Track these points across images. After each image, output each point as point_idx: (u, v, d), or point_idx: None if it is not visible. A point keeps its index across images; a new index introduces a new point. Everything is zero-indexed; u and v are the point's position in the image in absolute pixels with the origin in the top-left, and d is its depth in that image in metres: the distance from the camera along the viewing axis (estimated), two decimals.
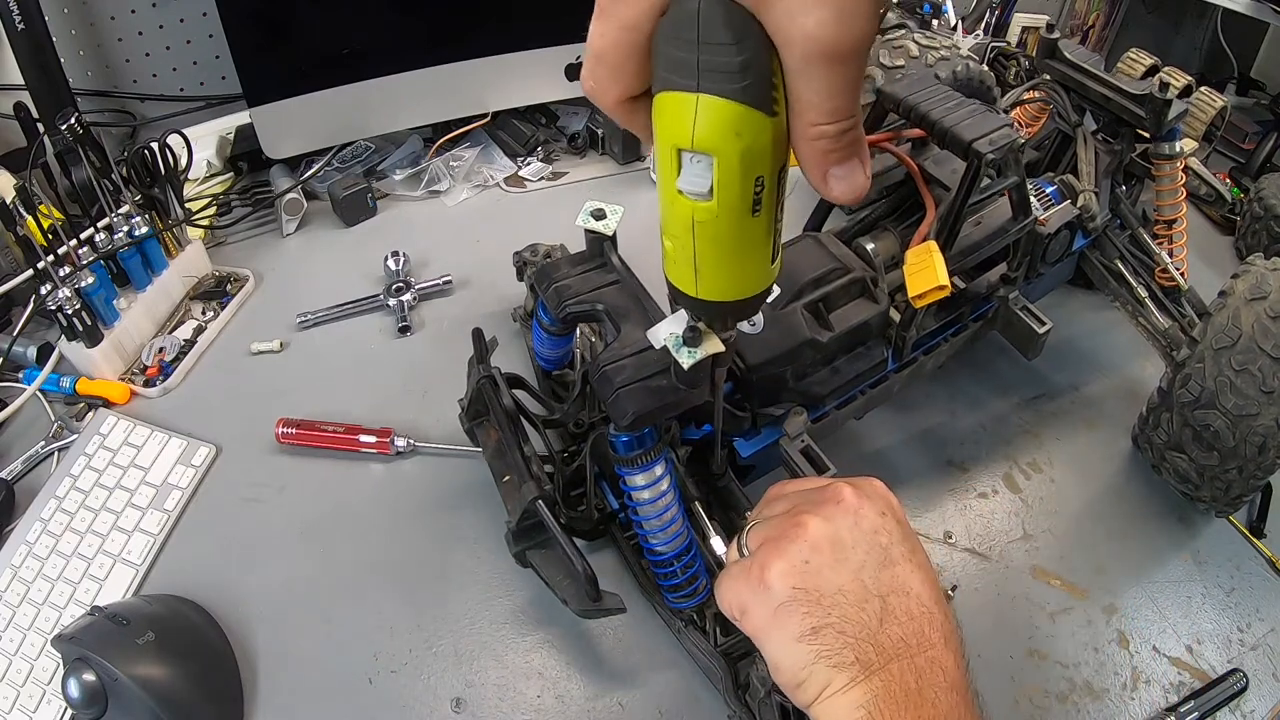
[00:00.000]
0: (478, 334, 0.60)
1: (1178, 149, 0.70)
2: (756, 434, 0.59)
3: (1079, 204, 0.69)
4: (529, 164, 1.03)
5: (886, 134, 0.64)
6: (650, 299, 0.54)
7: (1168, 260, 0.71)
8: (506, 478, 0.54)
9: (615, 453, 0.51)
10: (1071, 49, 0.73)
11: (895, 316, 0.61)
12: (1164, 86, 0.66)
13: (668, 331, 0.44)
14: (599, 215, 0.57)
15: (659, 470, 0.51)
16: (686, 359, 0.43)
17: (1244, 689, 0.56)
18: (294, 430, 0.68)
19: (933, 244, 0.55)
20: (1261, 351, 0.55)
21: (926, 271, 0.53)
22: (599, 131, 1.05)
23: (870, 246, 0.63)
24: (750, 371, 0.55)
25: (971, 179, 0.56)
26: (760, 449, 0.59)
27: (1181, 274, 0.71)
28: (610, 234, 0.57)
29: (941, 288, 0.53)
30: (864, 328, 0.59)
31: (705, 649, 0.53)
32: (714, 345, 0.43)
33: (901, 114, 0.61)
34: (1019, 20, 1.20)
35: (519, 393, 0.60)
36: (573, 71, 1.01)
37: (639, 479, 0.51)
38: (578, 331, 0.68)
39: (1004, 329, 0.68)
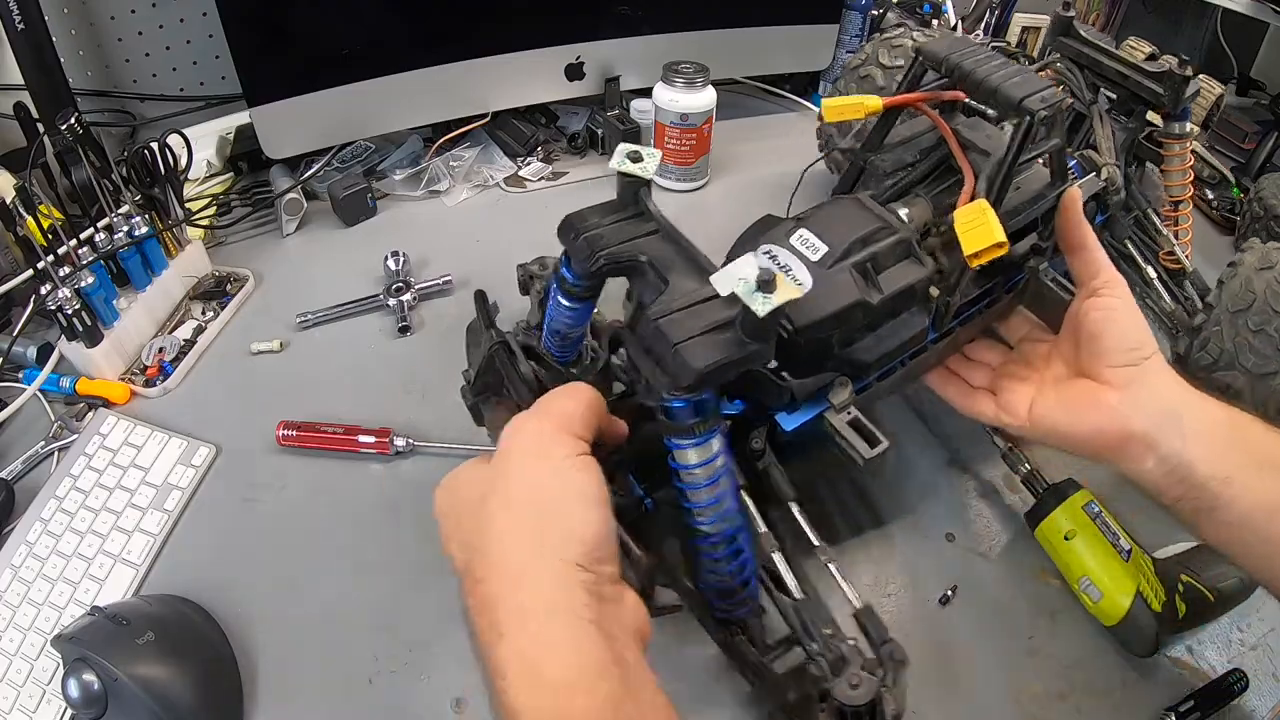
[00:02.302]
0: (480, 295, 0.55)
1: (1188, 128, 0.70)
2: (797, 407, 0.54)
3: (1104, 176, 0.68)
4: (529, 164, 1.03)
5: (922, 94, 0.61)
6: (695, 248, 0.48)
7: (1174, 242, 0.71)
8: None
9: (670, 420, 0.44)
10: (1085, 28, 0.72)
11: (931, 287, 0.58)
12: (1183, 63, 0.65)
13: (737, 276, 0.39)
14: (635, 158, 0.49)
15: (716, 445, 0.45)
16: (761, 306, 0.38)
17: (1244, 689, 0.56)
18: (294, 433, 0.68)
19: (984, 202, 0.52)
20: (1276, 313, 0.55)
21: (982, 229, 0.50)
22: (599, 131, 1.05)
23: (903, 212, 0.60)
24: (798, 333, 0.50)
25: (1023, 138, 0.53)
26: (804, 422, 0.54)
27: (1186, 256, 0.71)
28: (648, 178, 0.50)
29: (1000, 244, 0.49)
30: (910, 291, 0.54)
31: (754, 659, 0.48)
32: (790, 291, 0.38)
33: (944, 73, 0.58)
34: (1019, 20, 1.20)
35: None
36: (573, 71, 1.01)
37: (692, 455, 0.44)
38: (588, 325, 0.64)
39: (1033, 301, 0.65)
